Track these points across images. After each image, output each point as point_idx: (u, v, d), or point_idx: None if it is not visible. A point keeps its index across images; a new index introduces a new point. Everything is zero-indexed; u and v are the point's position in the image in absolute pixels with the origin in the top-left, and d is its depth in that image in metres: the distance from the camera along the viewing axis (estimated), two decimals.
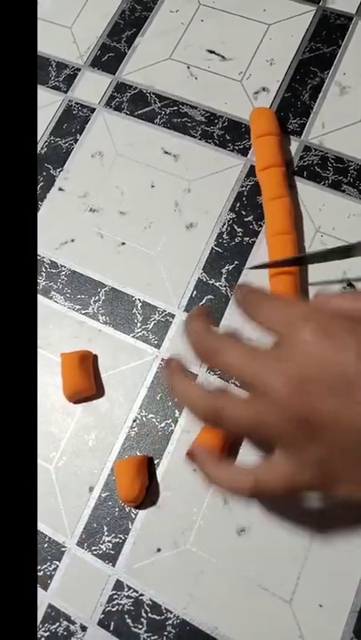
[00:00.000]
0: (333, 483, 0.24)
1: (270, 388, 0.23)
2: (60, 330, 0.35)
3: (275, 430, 0.24)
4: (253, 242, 0.36)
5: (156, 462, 0.32)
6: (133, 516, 0.31)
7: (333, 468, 0.23)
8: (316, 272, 0.35)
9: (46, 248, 0.38)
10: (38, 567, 0.31)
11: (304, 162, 0.38)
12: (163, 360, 0.30)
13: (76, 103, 0.41)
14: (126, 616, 0.30)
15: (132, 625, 0.29)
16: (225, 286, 0.35)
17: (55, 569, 0.31)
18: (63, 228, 0.38)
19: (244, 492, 0.25)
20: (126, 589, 0.30)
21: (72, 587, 0.31)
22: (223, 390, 0.26)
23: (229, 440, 0.31)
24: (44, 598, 0.30)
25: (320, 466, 0.23)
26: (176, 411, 0.33)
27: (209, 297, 0.35)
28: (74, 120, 0.41)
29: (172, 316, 0.35)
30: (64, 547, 0.31)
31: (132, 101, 0.41)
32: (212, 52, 0.42)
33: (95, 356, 0.35)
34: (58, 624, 0.30)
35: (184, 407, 0.27)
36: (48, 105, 0.42)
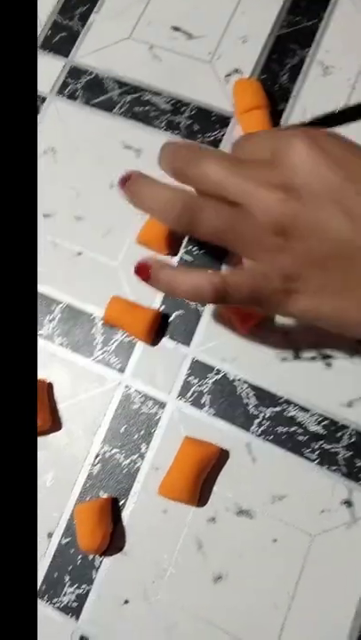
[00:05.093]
0: (293, 295, 0.24)
1: (255, 195, 0.23)
2: None
3: (249, 237, 0.24)
4: (225, 251, 0.32)
5: (121, 503, 0.29)
6: (98, 564, 0.28)
7: (297, 280, 0.24)
8: None
9: None
10: None
11: None
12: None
13: None
14: None
15: None
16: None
17: None
18: None
19: (208, 292, 0.24)
20: None
21: None
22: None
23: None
24: None
25: (286, 276, 0.24)
26: (143, 445, 0.29)
27: (178, 312, 0.31)
28: None
29: None
30: None
31: (88, 88, 0.36)
32: (177, 29, 0.37)
33: (50, 384, 0.31)
34: None
35: (153, 215, 0.26)
36: None
